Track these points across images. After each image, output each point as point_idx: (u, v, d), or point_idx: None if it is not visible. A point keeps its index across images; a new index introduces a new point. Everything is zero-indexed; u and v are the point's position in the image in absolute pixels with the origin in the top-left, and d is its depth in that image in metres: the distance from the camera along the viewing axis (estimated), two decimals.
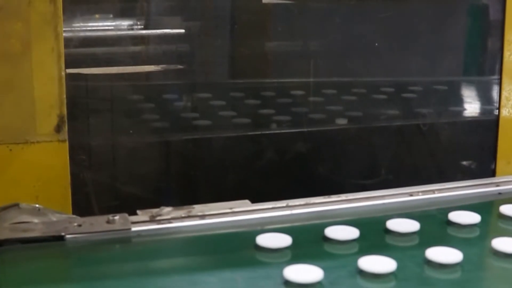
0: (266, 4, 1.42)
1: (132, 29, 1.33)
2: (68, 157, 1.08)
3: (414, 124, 1.51)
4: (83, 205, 1.18)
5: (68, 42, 1.15)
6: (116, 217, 0.88)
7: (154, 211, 0.91)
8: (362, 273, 0.76)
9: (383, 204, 0.96)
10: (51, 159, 1.07)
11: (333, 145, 1.46)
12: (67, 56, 1.09)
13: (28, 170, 1.06)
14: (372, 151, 1.48)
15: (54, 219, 0.89)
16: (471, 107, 1.58)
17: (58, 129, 1.07)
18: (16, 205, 0.90)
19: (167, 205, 0.92)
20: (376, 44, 1.45)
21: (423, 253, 0.80)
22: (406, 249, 0.84)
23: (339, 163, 1.45)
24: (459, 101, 1.59)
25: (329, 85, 1.49)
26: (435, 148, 1.52)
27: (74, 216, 0.92)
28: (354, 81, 1.51)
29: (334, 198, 0.96)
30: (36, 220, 0.88)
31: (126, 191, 1.32)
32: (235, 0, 1.42)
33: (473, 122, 1.56)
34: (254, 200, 0.96)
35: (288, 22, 1.44)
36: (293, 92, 1.48)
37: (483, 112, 1.55)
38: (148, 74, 1.37)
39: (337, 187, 1.24)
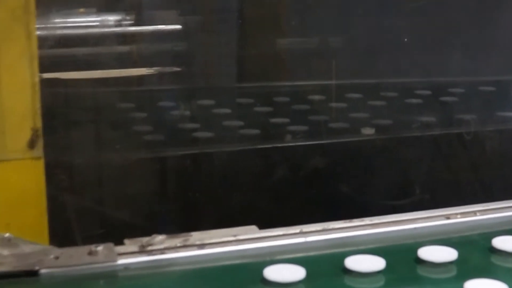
0: None
1: (120, 26, 1.34)
2: (44, 178, 1.09)
3: (455, 133, 1.51)
4: (62, 234, 1.19)
5: (42, 42, 1.16)
6: (100, 248, 0.88)
7: (145, 240, 0.91)
8: None
9: (415, 229, 0.96)
10: (24, 179, 1.08)
11: (358, 160, 1.46)
12: (41, 58, 1.10)
13: None
14: (405, 166, 1.48)
15: (27, 250, 0.90)
16: None
17: (31, 144, 1.07)
18: None
19: (162, 232, 0.93)
20: (405, 39, 1.45)
21: (462, 286, 0.80)
22: (441, 282, 0.84)
23: (364, 180, 1.45)
24: (509, 105, 1.59)
25: (353, 88, 1.50)
26: (480, 162, 1.52)
27: (51, 247, 0.93)
28: (382, 82, 1.52)
29: (356, 222, 0.96)
30: (5, 252, 0.89)
31: (114, 217, 1.32)
32: None
33: None
34: (264, 226, 0.97)
35: (303, 16, 1.45)
36: (310, 97, 1.49)
37: None
38: (139, 78, 1.38)
39: (362, 209, 1.25)
